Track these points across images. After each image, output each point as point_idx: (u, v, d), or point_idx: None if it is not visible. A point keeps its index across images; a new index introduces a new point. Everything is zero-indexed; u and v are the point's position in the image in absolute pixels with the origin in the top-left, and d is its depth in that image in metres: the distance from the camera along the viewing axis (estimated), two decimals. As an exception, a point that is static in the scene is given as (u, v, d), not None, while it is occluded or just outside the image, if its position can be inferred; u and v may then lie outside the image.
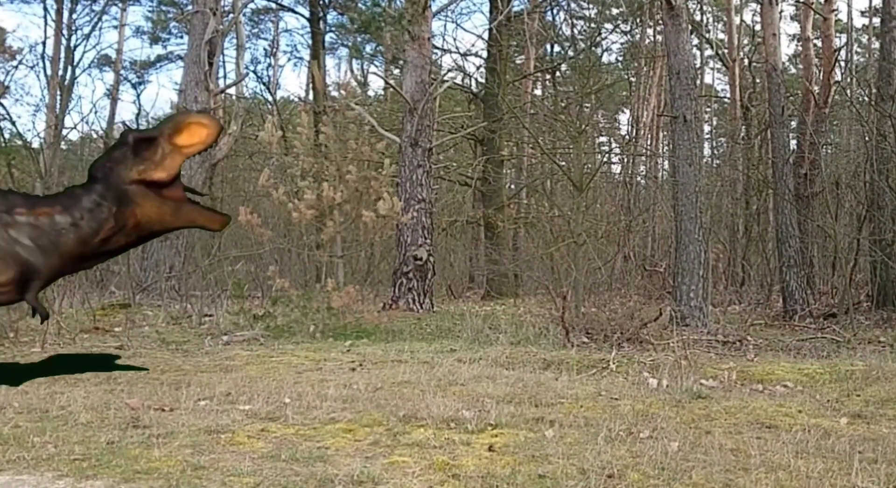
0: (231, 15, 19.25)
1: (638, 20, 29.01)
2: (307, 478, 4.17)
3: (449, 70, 22.77)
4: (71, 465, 4.39)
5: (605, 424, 5.20)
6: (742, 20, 28.52)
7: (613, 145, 33.76)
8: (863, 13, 31.21)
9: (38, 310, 4.67)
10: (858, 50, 29.84)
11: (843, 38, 25.89)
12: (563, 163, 19.49)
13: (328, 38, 27.68)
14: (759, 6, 19.47)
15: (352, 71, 30.44)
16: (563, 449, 4.66)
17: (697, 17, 27.22)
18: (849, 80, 22.78)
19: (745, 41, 27.64)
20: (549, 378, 7.22)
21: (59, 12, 23.88)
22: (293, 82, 65.23)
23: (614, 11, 29.65)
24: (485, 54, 23.15)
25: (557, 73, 27.40)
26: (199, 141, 4.86)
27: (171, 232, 4.96)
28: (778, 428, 5.21)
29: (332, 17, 27.15)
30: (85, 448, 4.71)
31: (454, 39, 41.81)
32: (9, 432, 5.03)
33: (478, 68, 23.98)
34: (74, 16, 24.49)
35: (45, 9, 24.56)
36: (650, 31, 30.09)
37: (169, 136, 4.84)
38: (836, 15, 21.18)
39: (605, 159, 26.00)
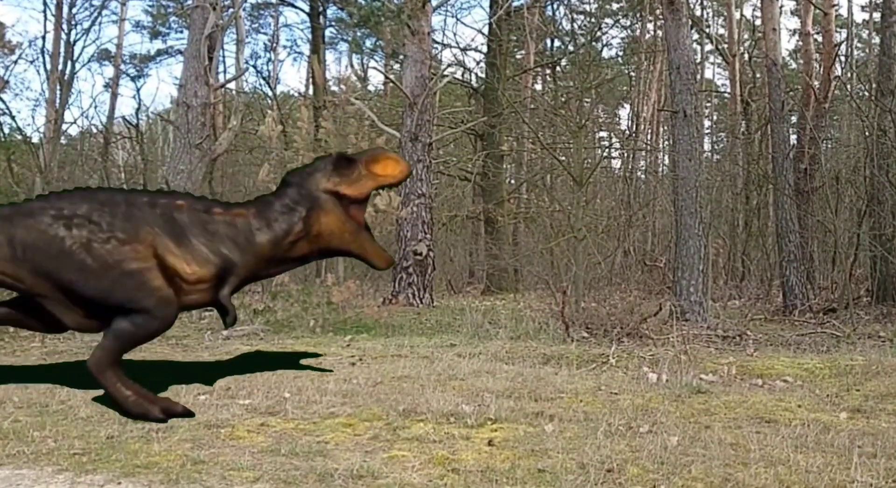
0: (231, 9, 19.20)
1: (638, 15, 29.02)
2: (307, 473, 4.17)
3: (449, 65, 22.77)
4: (71, 460, 4.39)
5: (604, 419, 5.21)
6: (742, 15, 28.51)
7: (613, 140, 33.78)
8: (863, 8, 31.19)
9: (229, 310, 4.68)
10: (859, 45, 29.79)
11: (844, 33, 25.86)
12: (563, 158, 19.50)
13: (328, 32, 27.67)
14: (759, 1, 19.44)
15: (352, 66, 30.44)
16: (563, 444, 4.66)
17: (698, 12, 27.19)
18: (849, 75, 22.76)
19: (746, 36, 27.62)
20: (548, 372, 7.22)
21: (59, 7, 23.84)
22: (293, 77, 65.08)
23: (614, 6, 29.68)
24: (485, 49, 23.16)
25: (557, 68, 27.41)
26: (390, 174, 5.06)
27: (345, 255, 4.92)
28: (777, 423, 5.21)
29: (331, 11, 27.11)
30: (85, 442, 4.71)
31: (454, 34, 41.84)
32: (8, 426, 5.03)
33: (478, 63, 23.99)
34: (74, 10, 24.46)
35: (45, 3, 24.50)
36: (650, 26, 30.09)
37: (367, 163, 4.97)
38: (836, 10, 21.18)
39: (605, 154, 26.02)
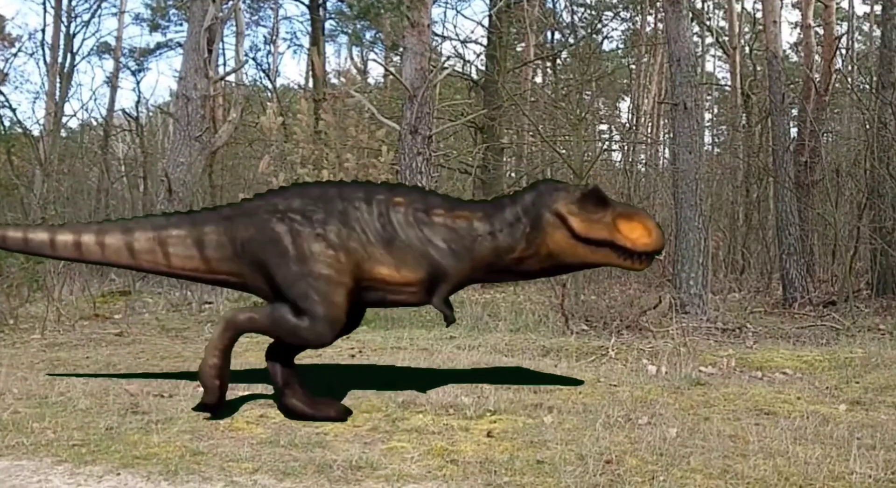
0: (230, 2, 19.19)
1: (638, 7, 28.98)
2: (306, 464, 4.18)
3: (449, 57, 22.74)
4: (70, 451, 4.40)
5: (603, 410, 5.21)
6: (743, 8, 28.45)
7: (614, 133, 33.73)
8: (864, 1, 31.17)
9: (445, 314, 4.68)
10: (859, 37, 29.79)
11: (845, 25, 25.85)
12: (564, 151, 19.45)
13: (328, 25, 27.66)
14: (760, -7, 19.39)
15: (351, 58, 30.43)
16: (562, 435, 4.67)
17: (698, 5, 27.19)
18: (850, 67, 22.75)
19: (746, 29, 27.58)
20: (548, 365, 7.22)
21: (59, -1, 23.83)
22: (293, 70, 65.27)
23: (614, -1, 29.61)
24: (485, 41, 23.14)
25: (558, 61, 27.37)
26: (633, 237, 4.87)
27: (588, 267, 4.83)
28: (776, 415, 5.21)
29: (331, 3, 27.12)
30: (84, 433, 4.72)
31: (454, 26, 41.85)
32: (8, 418, 5.04)
33: (478, 55, 24.01)
34: (73, 3, 24.46)
35: (45, -4, 24.48)
36: (651, 19, 30.06)
37: (619, 214, 4.77)
38: (837, 2, 21.15)
39: (605, 147, 25.93)
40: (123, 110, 29.33)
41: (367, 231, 4.90)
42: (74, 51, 24.42)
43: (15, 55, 27.38)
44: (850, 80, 20.78)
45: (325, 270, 4.81)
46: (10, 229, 5.50)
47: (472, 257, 4.95)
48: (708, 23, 29.66)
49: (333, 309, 4.82)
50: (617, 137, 30.51)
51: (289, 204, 4.98)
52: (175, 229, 5.16)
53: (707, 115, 31.39)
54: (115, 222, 5.39)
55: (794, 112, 18.35)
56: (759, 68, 24.57)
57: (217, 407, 5.05)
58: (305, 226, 4.88)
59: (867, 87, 18.06)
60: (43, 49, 24.49)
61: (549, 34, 28.03)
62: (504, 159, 23.69)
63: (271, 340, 5.27)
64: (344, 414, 5.05)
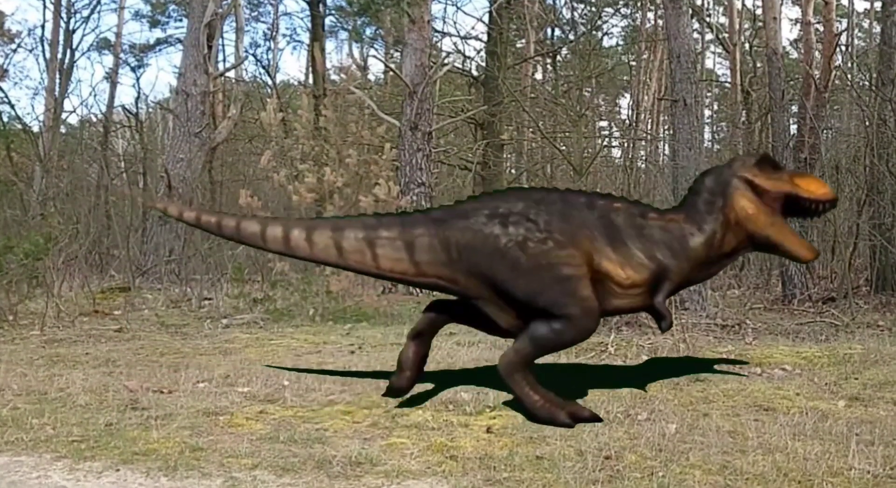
0: (230, -2, 19.19)
1: (638, 4, 28.95)
2: (305, 459, 4.18)
3: (449, 53, 22.72)
4: (69, 447, 4.40)
5: (602, 406, 5.21)
6: (743, 4, 28.48)
7: (614, 129, 33.74)
8: (864, -3, 31.12)
9: (665, 315, 4.67)
10: (859, 34, 29.75)
11: (845, 22, 25.82)
12: (564, 148, 19.49)
13: (328, 21, 27.59)
14: (760, -10, 19.38)
15: (352, 54, 30.40)
16: (561, 431, 4.67)
17: (698, 1, 27.18)
18: (849, 64, 22.72)
19: (746, 25, 27.59)
20: (547, 359, 7.21)
21: (58, -5, 23.82)
22: (293, 66, 65.22)
23: (615, -5, 29.57)
24: (485, 37, 23.10)
25: (558, 57, 27.36)
26: (812, 190, 4.99)
27: (767, 247, 4.84)
28: (776, 411, 5.21)
29: (331, 0, 27.08)
30: (83, 429, 4.73)
31: (454, 22, 41.64)
32: (7, 414, 5.04)
33: (478, 52, 23.96)
34: (73, -1, 24.45)
35: (44, -8, 24.48)
36: (651, 15, 30.05)
37: (791, 174, 4.87)
38: (837, -1, 21.13)
39: (605, 143, 25.97)
40: (123, 106, 29.37)
41: (592, 230, 4.87)
42: (74, 47, 24.44)
43: (15, 51, 27.37)
44: (849, 76, 20.76)
45: (565, 270, 4.74)
46: (225, 217, 5.47)
47: (689, 256, 4.99)
48: (708, 19, 29.66)
49: (586, 303, 4.78)
50: (617, 134, 30.54)
51: (510, 207, 4.91)
52: (385, 230, 5.07)
53: (707, 112, 31.38)
54: (326, 219, 5.39)
55: (794, 109, 18.37)
56: (758, 65, 24.58)
57: (574, 416, 4.90)
58: (532, 231, 4.80)
59: (867, 83, 18.04)
60: (42, 45, 24.51)
61: (549, 30, 28.00)
62: (504, 155, 23.69)
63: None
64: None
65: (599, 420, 4.88)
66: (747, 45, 25.99)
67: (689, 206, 5.15)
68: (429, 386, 5.70)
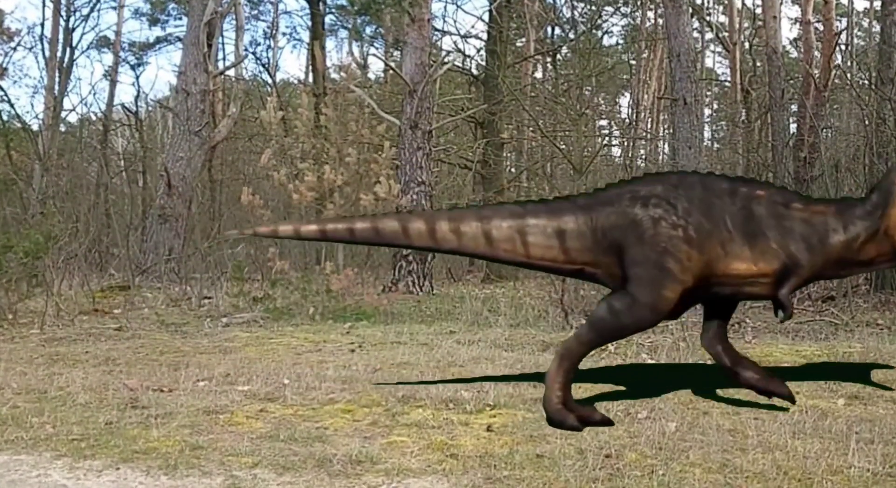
0: (230, -4, 19.18)
1: (638, 2, 28.94)
2: (305, 458, 4.18)
3: (449, 52, 22.72)
4: (69, 445, 4.40)
5: (602, 405, 5.20)
6: (743, 3, 28.45)
7: (613, 128, 33.74)
8: (864, -4, 31.12)
9: (788, 308, 4.57)
10: (859, 33, 29.77)
11: (844, 21, 25.83)
12: (564, 146, 19.50)
13: (328, 19, 27.62)
14: (760, -11, 19.39)
15: (352, 53, 30.40)
16: (561, 430, 4.67)
17: (698, 1, 27.15)
18: (849, 63, 22.73)
19: (746, 24, 27.59)
20: (547, 359, 7.19)
21: (58, -7, 23.82)
22: (293, 64, 65.20)
23: (615, -6, 29.57)
24: (485, 36, 23.11)
25: (558, 56, 27.36)
26: None
27: None
28: (775, 409, 5.21)
29: (331, -2, 27.08)
30: (83, 428, 4.72)
31: (454, 21, 41.79)
32: (7, 412, 5.04)
33: (478, 50, 23.98)
34: (73, -3, 24.44)
35: (44, -10, 24.47)
36: (651, 14, 30.05)
37: None
38: (837, -2, 21.12)
39: (605, 142, 25.98)
40: (123, 105, 29.37)
41: (728, 224, 4.81)
42: (73, 45, 24.45)
43: (14, 49, 27.31)
44: (849, 75, 20.75)
45: (671, 263, 4.70)
46: (358, 220, 5.40)
47: (825, 251, 4.90)
48: (708, 18, 29.67)
49: (660, 301, 4.72)
50: (617, 133, 30.54)
51: (651, 190, 4.87)
52: (533, 218, 5.02)
53: (707, 111, 31.34)
54: (468, 209, 5.31)
55: (794, 108, 18.38)
56: (758, 64, 24.58)
57: (583, 420, 4.94)
58: (669, 214, 4.76)
59: (866, 82, 18.04)
60: (42, 43, 24.50)
61: (549, 29, 28.02)
62: (504, 154, 23.69)
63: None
64: (791, 396, 5.05)
65: (610, 423, 4.84)
66: (747, 44, 25.98)
67: (847, 205, 5.00)
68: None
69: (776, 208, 4.86)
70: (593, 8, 28.76)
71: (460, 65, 23.12)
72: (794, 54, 29.95)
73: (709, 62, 34.89)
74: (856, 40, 27.63)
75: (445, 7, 54.71)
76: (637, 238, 4.76)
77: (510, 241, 5.01)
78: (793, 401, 5.04)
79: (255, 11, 30.72)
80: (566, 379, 4.84)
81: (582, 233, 4.93)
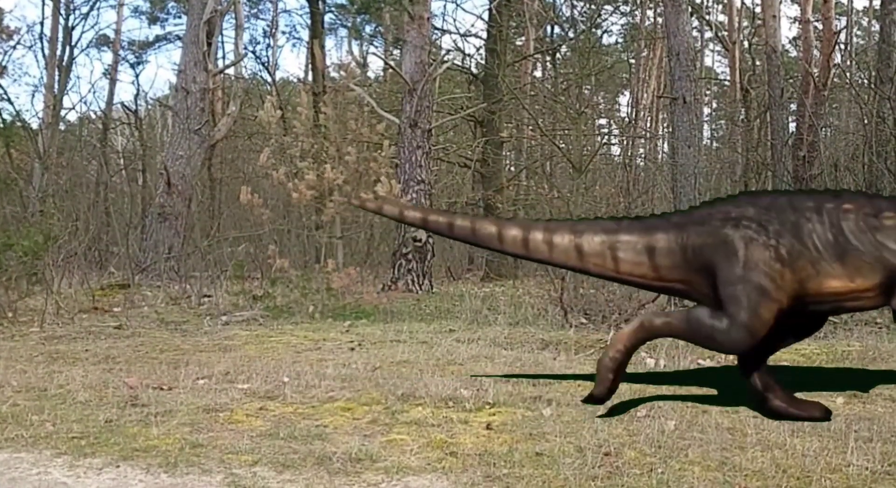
0: (229, -5, 19.17)
1: (638, 1, 28.94)
2: (305, 456, 4.18)
3: (448, 51, 22.72)
4: (69, 443, 4.41)
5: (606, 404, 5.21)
6: (742, 2, 28.44)
7: (613, 127, 33.74)
8: (863, -5, 31.13)
9: None
10: (858, 32, 29.78)
11: (844, 20, 25.82)
12: (563, 145, 19.50)
13: (327, 18, 27.62)
14: (759, -13, 19.39)
15: (351, 52, 30.39)
16: (561, 428, 4.68)
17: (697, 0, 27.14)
18: (848, 62, 22.74)
19: (746, 23, 27.60)
20: (547, 357, 7.23)
21: (58, -8, 23.81)
22: (292, 63, 65.16)
23: (614, -7, 29.55)
24: (484, 35, 23.09)
25: (557, 55, 27.35)
26: None
27: None
28: (774, 408, 5.21)
29: (330, -4, 27.07)
30: (83, 426, 4.73)
31: (454, 19, 41.75)
32: (7, 410, 5.04)
33: (477, 49, 23.95)
34: (72, -5, 24.44)
35: (44, -12, 24.45)
36: (650, 13, 30.05)
37: None
38: (836, -3, 21.12)
39: (604, 141, 25.97)
40: (122, 103, 29.32)
41: (819, 245, 4.76)
42: (73, 43, 24.46)
43: (14, 47, 27.30)
44: (848, 74, 20.76)
45: (765, 282, 4.68)
46: (458, 217, 5.49)
47: None
48: (707, 17, 29.68)
49: (757, 321, 4.70)
50: (616, 131, 30.54)
51: (742, 212, 4.87)
52: (626, 234, 5.06)
53: (706, 110, 31.37)
54: (563, 222, 5.36)
55: (793, 107, 18.38)
56: (758, 63, 24.56)
57: (603, 400, 4.97)
58: (760, 235, 4.75)
59: (866, 81, 18.05)
60: (41, 42, 24.50)
61: (548, 28, 28.00)
62: (503, 153, 23.66)
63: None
64: (827, 414, 4.92)
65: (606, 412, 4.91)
66: (746, 43, 25.98)
67: None
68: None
69: (867, 220, 4.78)
70: (593, 7, 28.73)
71: (460, 63, 23.11)
72: (794, 53, 29.94)
73: (708, 61, 34.92)
74: (855, 39, 27.66)
75: (445, 6, 54.82)
76: (729, 258, 4.77)
77: (600, 256, 5.07)
78: (826, 419, 4.91)
79: (255, 10, 30.70)
80: (632, 347, 4.88)
81: (672, 251, 4.95)
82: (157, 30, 32.46)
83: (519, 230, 5.23)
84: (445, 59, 19.04)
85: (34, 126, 23.37)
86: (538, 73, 29.13)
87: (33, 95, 44.65)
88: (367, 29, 29.79)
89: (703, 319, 4.79)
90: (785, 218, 4.82)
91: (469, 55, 24.26)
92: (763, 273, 4.70)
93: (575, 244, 5.10)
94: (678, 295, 5.32)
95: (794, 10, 29.82)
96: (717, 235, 4.84)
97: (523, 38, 26.75)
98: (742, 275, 4.72)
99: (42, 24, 24.63)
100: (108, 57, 34.15)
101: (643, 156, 28.15)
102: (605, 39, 30.07)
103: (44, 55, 24.21)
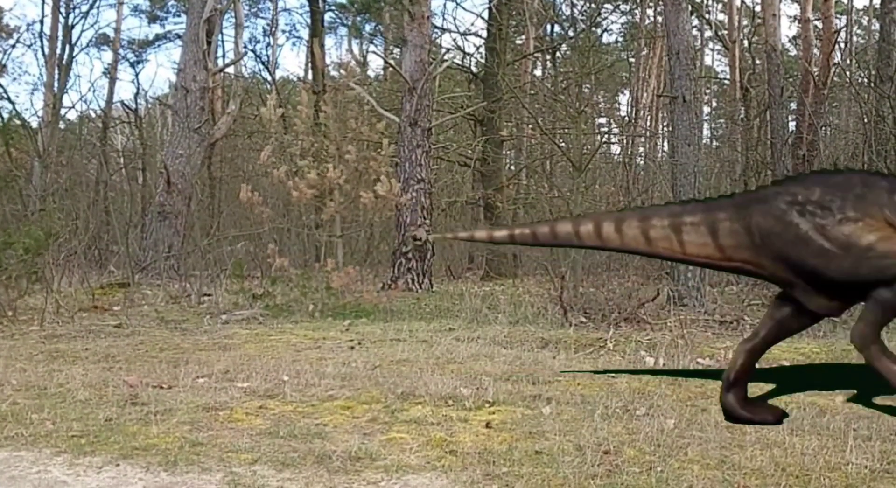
0: (229, -6, 19.17)
1: (638, 0, 28.92)
2: (305, 454, 4.19)
3: (448, 49, 22.72)
4: (69, 442, 4.41)
5: (601, 401, 5.22)
6: (742, 1, 28.41)
7: (613, 126, 33.73)
8: (863, -6, 31.11)
9: None
10: (858, 31, 29.75)
11: (843, 19, 25.83)
12: (563, 144, 19.47)
13: (327, 17, 27.61)
14: (759, -14, 19.39)
15: (351, 50, 30.38)
16: (560, 426, 4.68)
17: (697, -2, 27.11)
18: (848, 61, 22.74)
19: (745, 22, 27.58)
20: (546, 356, 7.24)
21: (57, -10, 23.80)
22: (292, 62, 65.15)
23: (614, -9, 29.53)
24: (484, 34, 23.09)
25: (557, 54, 27.34)
26: None
27: None
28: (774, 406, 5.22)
29: (330, -5, 27.06)
30: (83, 425, 4.73)
31: (454, 18, 41.76)
32: (7, 409, 5.05)
33: (477, 48, 23.96)
34: (72, -6, 24.43)
35: (43, -13, 24.46)
36: (650, 12, 30.03)
37: None
38: (836, -4, 21.11)
39: (604, 140, 25.94)
40: (122, 102, 29.31)
41: (885, 210, 4.80)
42: (73, 42, 24.45)
43: (13, 46, 27.31)
44: (848, 73, 20.76)
45: (868, 237, 4.69)
46: (538, 226, 5.56)
47: None
48: (707, 16, 29.66)
49: None
50: (616, 130, 30.53)
51: (808, 195, 4.87)
52: (689, 216, 5.08)
53: (706, 109, 31.38)
54: (633, 210, 5.39)
55: (793, 105, 18.38)
56: (757, 62, 24.54)
57: None
58: (827, 218, 4.75)
59: (865, 80, 18.05)
60: (41, 40, 24.50)
61: (548, 27, 27.98)
62: (503, 152, 23.65)
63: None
64: (781, 418, 4.98)
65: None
66: (746, 42, 25.95)
67: None
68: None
69: None
70: (593, 5, 28.71)
71: (460, 62, 23.13)
72: (794, 52, 29.93)
73: (708, 60, 34.90)
74: (855, 38, 27.64)
75: (445, 4, 54.78)
76: (819, 255, 4.68)
77: (667, 240, 5.08)
78: (779, 423, 4.98)
79: (255, 8, 30.70)
80: (887, 353, 4.85)
81: (735, 231, 4.95)
82: (156, 28, 32.49)
83: (592, 224, 5.28)
84: (445, 57, 19.04)
85: (34, 124, 23.37)
86: (538, 72, 29.12)
87: (33, 94, 44.71)
88: (367, 28, 29.81)
89: (888, 296, 4.76)
90: (849, 194, 4.82)
91: (469, 54, 24.29)
92: (859, 238, 4.68)
93: (642, 230, 5.12)
94: (748, 275, 5.33)
95: (794, 9, 29.83)
96: (786, 225, 4.79)
97: (523, 37, 26.73)
98: (852, 258, 4.69)
99: (42, 22, 24.65)
100: (107, 55, 34.16)
101: (643, 154, 28.16)
102: (605, 38, 30.09)
103: (43, 54, 24.22)
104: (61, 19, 24.14)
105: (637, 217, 5.20)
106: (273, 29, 29.89)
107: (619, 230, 5.16)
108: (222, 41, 24.35)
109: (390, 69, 22.69)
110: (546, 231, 5.37)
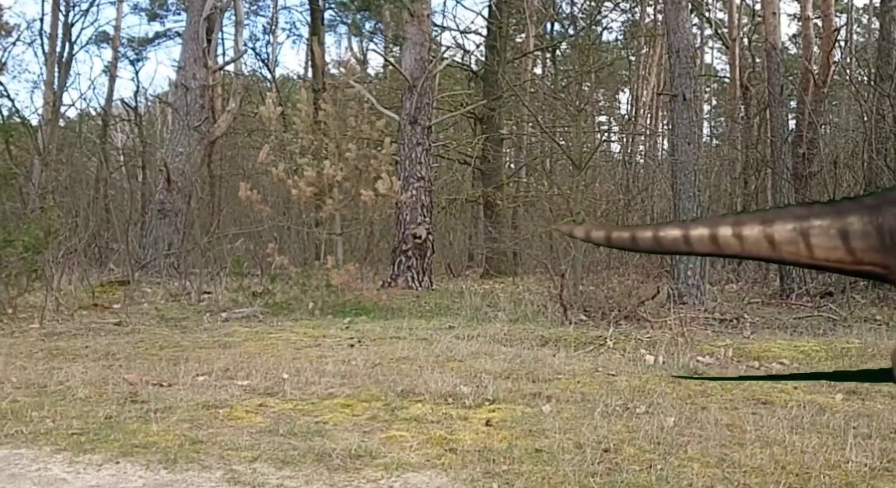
0: (229, -8, 19.16)
1: (638, -2, 28.89)
2: (305, 452, 4.19)
3: (448, 47, 22.71)
4: (69, 440, 4.41)
5: (601, 400, 5.23)
6: (742, -1, 28.39)
7: (613, 124, 33.73)
8: (863, -8, 31.09)
9: None
10: (858, 30, 29.70)
11: (844, 17, 25.80)
12: (563, 142, 19.44)
13: (327, 15, 27.60)
14: (759, -16, 19.37)
15: (351, 48, 30.36)
16: (560, 424, 4.68)
17: (697, -4, 27.06)
18: (848, 59, 22.70)
19: (745, 20, 27.53)
20: (546, 354, 7.24)
21: (57, -12, 23.79)
22: (292, 60, 65.14)
23: (614, -10, 29.50)
24: (484, 32, 23.08)
25: (557, 52, 27.31)
26: None
27: None
28: (773, 404, 5.23)
29: (330, -7, 27.04)
30: (83, 422, 4.74)
31: (454, 16, 41.68)
32: (7, 406, 5.05)
33: (477, 46, 23.96)
34: (72, -8, 24.42)
35: (43, -15, 24.45)
36: (650, 10, 30.00)
37: None
38: (836, -6, 21.10)
39: (604, 138, 25.94)
40: (122, 100, 29.31)
41: None
42: (73, 40, 24.42)
43: (13, 44, 27.30)
44: (848, 72, 20.75)
45: None
46: (638, 230, 5.49)
47: None
48: (707, 14, 29.61)
49: None
50: (616, 128, 30.52)
51: None
52: (817, 219, 5.06)
53: (706, 107, 31.33)
54: (752, 213, 5.38)
55: (793, 104, 18.35)
56: (757, 60, 24.54)
57: None
58: None
59: (865, 79, 18.05)
60: (41, 38, 24.49)
61: (548, 25, 27.94)
62: (503, 150, 23.64)
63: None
64: None
65: None
66: (746, 41, 25.94)
67: None
68: None
69: None
70: (593, 4, 28.68)
71: (460, 60, 23.11)
72: (794, 51, 29.92)
73: (708, 58, 34.85)
74: (855, 37, 27.58)
75: (445, 2, 54.67)
76: None
77: (793, 244, 5.03)
78: None
79: (255, 6, 30.65)
80: None
81: (867, 233, 4.92)
82: (156, 26, 32.48)
83: (706, 229, 5.21)
84: (445, 55, 19.03)
85: (34, 122, 23.37)
86: (538, 70, 29.09)
87: (33, 92, 44.63)
88: (367, 26, 29.77)
89: None
90: None
91: (469, 52, 24.29)
92: None
93: (766, 234, 5.06)
94: (875, 278, 5.30)
95: (794, 8, 29.83)
96: None
97: (523, 35, 26.71)
98: None
99: (42, 20, 24.64)
100: (107, 53, 34.14)
101: (643, 153, 28.12)
102: (605, 36, 30.02)
103: (43, 51, 24.21)
104: (61, 17, 24.13)
105: (759, 220, 5.17)
106: (273, 27, 29.84)
107: (739, 235, 5.13)
108: (222, 39, 24.36)
109: (390, 67, 22.66)
110: (648, 236, 5.31)
